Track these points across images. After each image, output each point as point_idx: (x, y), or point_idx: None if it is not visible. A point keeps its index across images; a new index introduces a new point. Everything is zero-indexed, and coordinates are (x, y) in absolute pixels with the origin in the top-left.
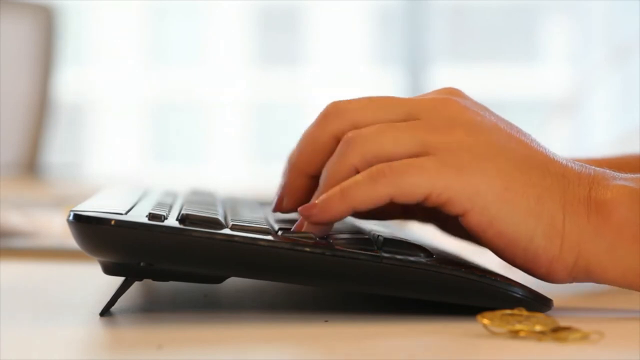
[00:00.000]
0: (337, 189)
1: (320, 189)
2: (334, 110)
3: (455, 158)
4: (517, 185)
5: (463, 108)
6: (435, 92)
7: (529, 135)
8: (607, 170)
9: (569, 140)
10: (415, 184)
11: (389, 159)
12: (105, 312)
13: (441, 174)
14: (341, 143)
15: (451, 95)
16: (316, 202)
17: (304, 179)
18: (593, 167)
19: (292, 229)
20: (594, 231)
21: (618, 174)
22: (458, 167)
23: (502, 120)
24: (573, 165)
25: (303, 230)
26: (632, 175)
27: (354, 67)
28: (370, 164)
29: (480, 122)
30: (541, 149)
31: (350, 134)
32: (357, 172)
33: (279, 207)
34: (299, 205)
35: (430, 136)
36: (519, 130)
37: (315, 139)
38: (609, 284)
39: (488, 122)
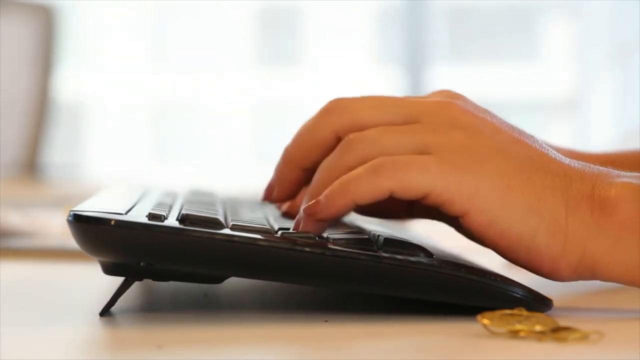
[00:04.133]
0: (336, 183)
1: (312, 187)
2: (335, 107)
3: (455, 158)
4: (517, 184)
5: (463, 111)
6: (436, 94)
7: (531, 137)
8: (611, 169)
9: (570, 139)
10: (416, 179)
11: None
12: (105, 312)
13: (442, 173)
14: (341, 144)
15: (452, 99)
16: (320, 198)
17: (298, 172)
18: (597, 166)
19: (291, 229)
20: (598, 228)
21: (622, 172)
22: (458, 167)
23: (504, 122)
24: (576, 164)
25: (300, 229)
26: (637, 173)
27: (354, 67)
28: None
29: (480, 125)
30: (543, 150)
31: (351, 136)
32: None
33: (267, 197)
34: (288, 197)
35: (430, 137)
36: (520, 132)
37: (313, 132)
38: (613, 282)
39: (489, 124)
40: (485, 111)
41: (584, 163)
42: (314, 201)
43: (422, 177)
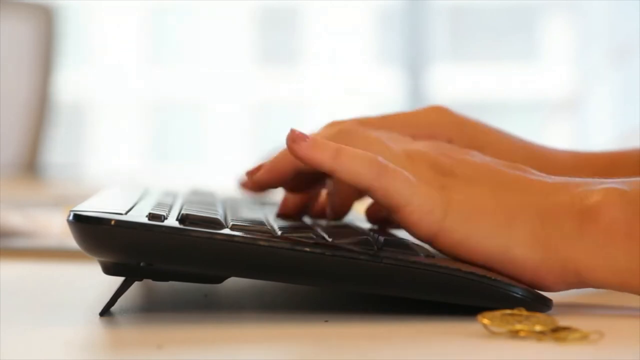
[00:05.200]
0: (334, 145)
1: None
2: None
3: (429, 188)
4: (486, 206)
5: (444, 155)
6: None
7: (511, 164)
8: (595, 179)
9: (569, 139)
10: (398, 190)
11: None
12: (105, 312)
13: (420, 192)
14: (340, 132)
15: (436, 149)
16: (310, 136)
17: (291, 168)
18: (582, 178)
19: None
20: (581, 235)
21: (607, 179)
22: (432, 192)
23: (484, 159)
24: (556, 180)
25: (255, 177)
26: (621, 179)
27: (354, 66)
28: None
29: (457, 162)
30: (521, 174)
31: (353, 127)
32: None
33: (253, 172)
34: (269, 183)
35: (409, 167)
36: (501, 163)
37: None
38: (603, 287)
39: (466, 161)
40: (467, 152)
41: (565, 178)
42: (302, 133)
43: (404, 189)
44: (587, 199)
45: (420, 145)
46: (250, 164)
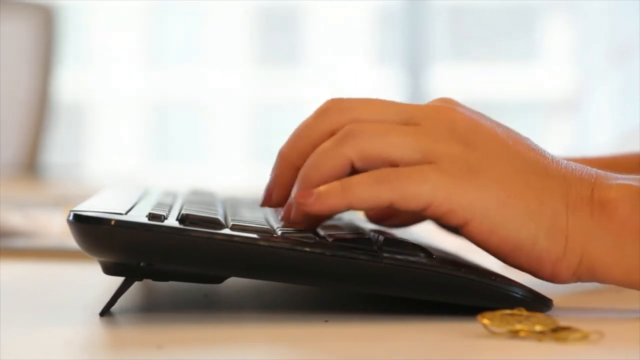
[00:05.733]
0: (337, 183)
1: (304, 171)
2: (333, 106)
3: (455, 168)
4: (516, 189)
5: (462, 116)
6: (433, 101)
7: (527, 140)
8: (609, 172)
9: (569, 140)
10: (417, 192)
11: (388, 161)
12: (105, 312)
13: (442, 183)
14: (340, 133)
15: (448, 104)
16: (314, 191)
17: (295, 172)
18: (595, 169)
19: (280, 217)
20: (598, 229)
21: (620, 174)
22: (458, 177)
23: (500, 125)
24: (574, 167)
25: (291, 218)
26: (634, 175)
27: (354, 67)
28: (367, 161)
29: (479, 131)
30: (540, 153)
31: (352, 126)
32: (352, 165)
33: (267, 202)
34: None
35: (431, 144)
36: (516, 135)
37: (311, 131)
38: (612, 283)
39: (487, 130)
40: (481, 115)
41: (581, 165)
42: (306, 191)
43: (423, 188)
44: (604, 193)
45: (423, 108)
46: (250, 164)
